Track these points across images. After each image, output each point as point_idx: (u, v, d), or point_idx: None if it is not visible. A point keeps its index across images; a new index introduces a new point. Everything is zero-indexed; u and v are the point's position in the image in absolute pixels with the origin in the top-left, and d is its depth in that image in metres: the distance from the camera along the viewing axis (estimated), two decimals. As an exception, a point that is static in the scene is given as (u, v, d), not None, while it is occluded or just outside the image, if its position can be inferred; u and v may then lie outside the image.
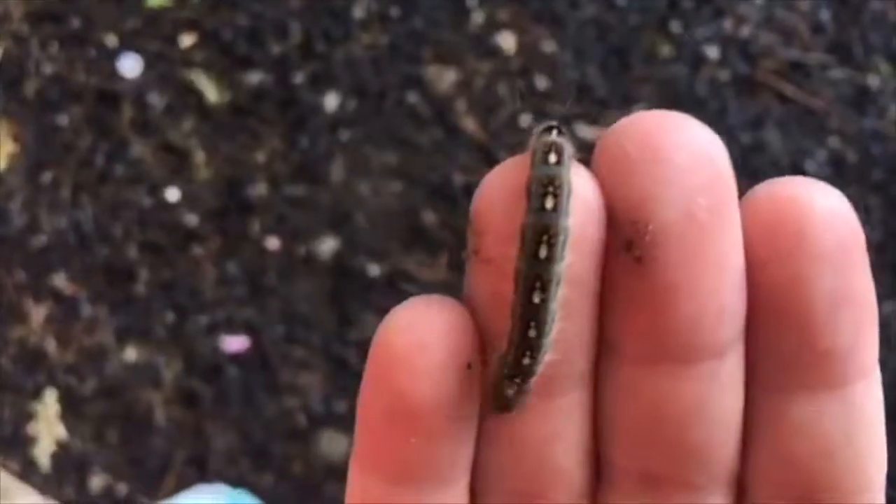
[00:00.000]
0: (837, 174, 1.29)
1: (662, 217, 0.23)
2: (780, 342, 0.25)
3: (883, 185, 1.29)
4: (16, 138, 1.30)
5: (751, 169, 1.28)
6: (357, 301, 1.26)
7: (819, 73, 1.32)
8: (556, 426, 0.26)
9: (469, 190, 1.31)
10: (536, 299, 0.24)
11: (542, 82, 1.31)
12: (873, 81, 1.31)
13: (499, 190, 0.24)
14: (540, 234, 0.23)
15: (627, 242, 0.24)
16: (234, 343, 1.25)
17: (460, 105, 1.30)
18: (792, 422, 0.26)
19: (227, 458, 1.23)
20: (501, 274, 0.24)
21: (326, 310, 1.26)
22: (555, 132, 0.24)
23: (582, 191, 0.24)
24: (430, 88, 1.31)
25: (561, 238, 0.23)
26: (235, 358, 1.25)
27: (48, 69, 1.31)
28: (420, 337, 0.25)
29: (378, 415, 0.26)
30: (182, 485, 1.18)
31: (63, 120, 1.30)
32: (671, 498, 0.27)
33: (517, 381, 0.25)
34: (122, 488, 1.22)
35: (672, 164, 0.23)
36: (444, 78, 1.31)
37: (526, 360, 0.24)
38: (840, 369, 0.25)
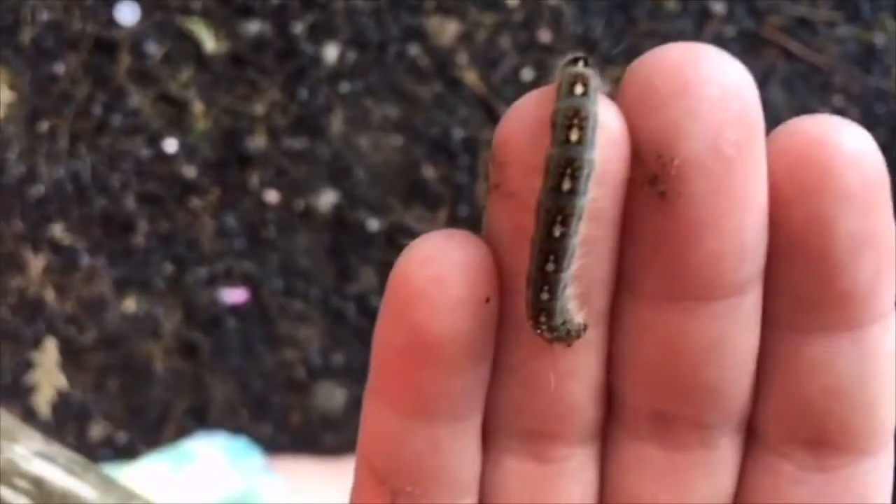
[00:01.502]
0: (840, 133, 1.28)
1: (688, 151, 0.23)
2: (798, 281, 0.25)
3: (886, 146, 1.28)
4: (12, 87, 1.28)
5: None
6: (356, 255, 1.26)
7: (825, 29, 1.30)
8: (572, 363, 0.26)
9: (469, 144, 1.30)
10: (557, 233, 0.23)
11: (545, 36, 1.29)
12: (879, 39, 1.30)
13: (523, 121, 0.24)
14: (564, 166, 0.23)
15: (652, 177, 0.23)
16: (234, 295, 1.25)
17: (462, 58, 1.29)
18: (806, 361, 0.26)
19: (226, 409, 1.24)
20: (523, 207, 0.24)
21: (325, 263, 1.26)
22: (581, 63, 0.23)
23: (607, 123, 0.23)
24: (432, 41, 1.29)
25: (585, 171, 0.23)
26: (234, 310, 1.25)
27: (44, 16, 1.29)
28: (438, 270, 0.24)
29: (394, 348, 0.25)
30: (181, 434, 1.19)
31: (60, 68, 1.28)
32: (682, 438, 0.27)
33: (542, 319, 0.24)
34: (121, 437, 1.23)
35: (700, 97, 0.23)
36: (446, 30, 1.30)
37: (545, 296, 0.24)
38: (857, 311, 0.25)
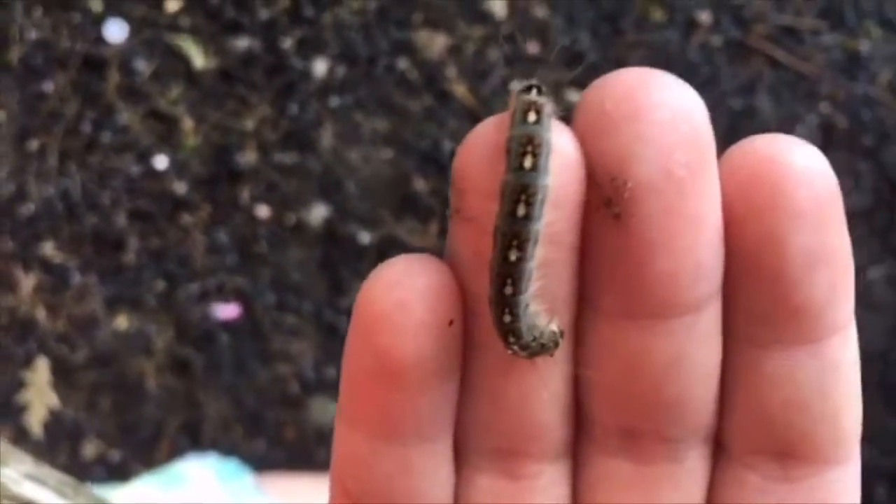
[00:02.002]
0: (827, 140, 1.29)
1: (640, 174, 0.23)
2: (755, 297, 0.25)
3: (873, 151, 1.29)
4: (1, 106, 1.28)
5: (741, 134, 1.27)
6: (348, 268, 1.26)
7: (811, 38, 1.31)
8: (536, 382, 0.27)
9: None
10: (513, 257, 0.24)
11: (533, 48, 1.30)
12: (864, 47, 1.31)
13: (480, 148, 0.24)
14: (518, 192, 0.23)
15: (606, 199, 0.24)
16: (226, 311, 1.25)
17: (451, 71, 1.29)
18: (766, 375, 0.26)
19: (220, 425, 1.23)
20: (483, 232, 0.24)
21: (317, 277, 1.26)
22: (535, 91, 0.24)
23: (562, 148, 0.24)
24: (421, 54, 1.30)
25: (539, 197, 0.24)
26: (227, 326, 1.25)
27: (32, 35, 1.29)
28: (402, 295, 0.25)
29: (361, 372, 0.26)
30: (175, 452, 1.19)
31: (48, 87, 1.29)
32: (649, 452, 0.27)
33: (510, 340, 0.25)
34: (114, 455, 1.23)
35: (651, 121, 0.23)
36: (435, 43, 1.30)
37: (507, 318, 0.25)
38: (814, 325, 0.25)
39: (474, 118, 1.29)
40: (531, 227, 0.24)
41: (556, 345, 0.25)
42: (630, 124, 0.23)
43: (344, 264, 1.25)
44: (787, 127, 1.29)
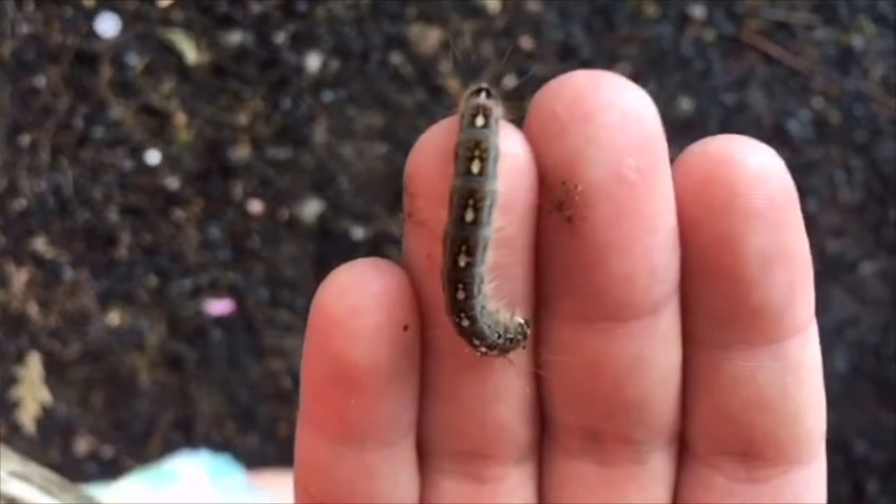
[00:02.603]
0: (820, 135, 1.29)
1: (591, 177, 0.23)
2: (713, 299, 0.25)
3: (865, 147, 1.29)
4: (-8, 100, 1.28)
5: (733, 129, 1.27)
6: (341, 264, 1.25)
7: (804, 33, 1.31)
8: (497, 385, 0.27)
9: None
10: (462, 262, 0.24)
11: (526, 42, 1.30)
12: (857, 42, 1.31)
13: (430, 152, 0.24)
14: (466, 198, 0.23)
15: (558, 203, 0.24)
16: (218, 306, 1.25)
17: (444, 66, 1.29)
18: (727, 376, 0.26)
19: (213, 421, 1.23)
20: (434, 236, 0.24)
21: (311, 273, 1.25)
22: (483, 95, 0.24)
23: (513, 151, 0.24)
24: (414, 49, 1.29)
25: (487, 202, 0.23)
26: (219, 321, 1.24)
27: (24, 29, 1.29)
28: (354, 300, 0.25)
29: (318, 377, 0.26)
30: (167, 447, 1.18)
31: (40, 81, 1.28)
32: (613, 454, 0.27)
33: (475, 343, 0.25)
34: (107, 451, 1.22)
35: (601, 124, 0.23)
36: (428, 38, 1.30)
37: (465, 322, 0.24)
38: (774, 325, 0.25)
39: (467, 113, 1.29)
40: (480, 233, 0.24)
41: (525, 336, 0.25)
42: (580, 127, 0.23)
43: (337, 260, 1.25)
44: (779, 122, 1.29)
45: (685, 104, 1.28)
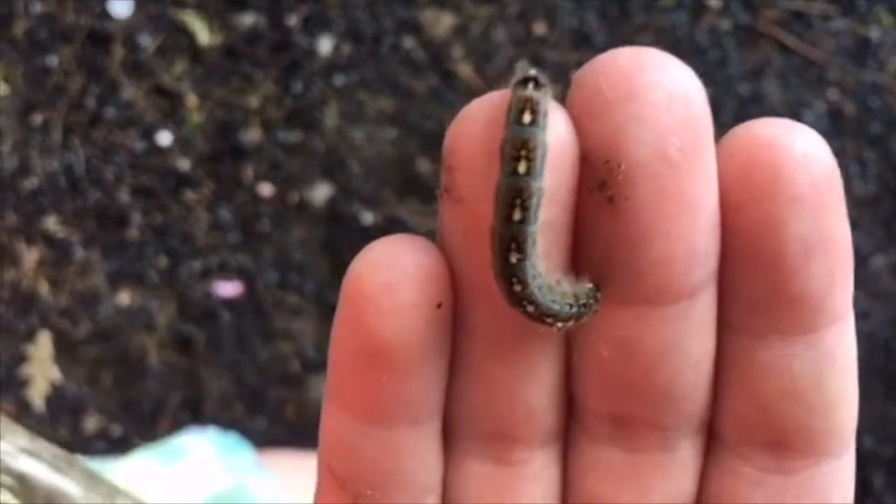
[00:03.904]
0: (835, 127, 1.28)
1: (634, 156, 0.23)
2: (752, 285, 0.25)
3: (880, 139, 1.28)
4: (5, 80, 1.28)
5: (748, 120, 1.26)
6: (350, 248, 1.25)
7: (820, 23, 1.30)
8: (528, 367, 0.26)
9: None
10: (513, 259, 0.23)
11: (540, 28, 1.29)
12: (874, 33, 1.29)
13: (472, 126, 0.24)
14: (513, 197, 0.23)
15: (600, 182, 0.23)
16: (228, 288, 1.25)
17: (457, 51, 1.28)
18: (762, 365, 0.26)
19: (221, 402, 1.24)
20: (473, 213, 0.24)
21: (320, 257, 1.26)
22: (531, 85, 0.23)
23: (556, 129, 0.23)
24: (427, 33, 1.29)
25: (534, 201, 0.23)
26: (229, 303, 1.25)
27: (37, 9, 1.29)
28: (389, 277, 0.24)
29: (348, 354, 0.26)
30: (176, 427, 1.19)
31: (53, 61, 1.28)
32: (641, 440, 0.27)
33: (547, 321, 0.25)
34: (116, 430, 1.23)
35: (646, 102, 0.23)
36: (441, 22, 1.29)
37: (530, 308, 0.24)
38: (811, 314, 0.25)
39: (479, 99, 1.28)
40: (528, 230, 0.23)
41: (597, 299, 0.25)
42: (624, 105, 0.23)
43: (346, 244, 1.25)
44: (794, 113, 1.28)
45: (699, 93, 1.27)
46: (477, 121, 0.24)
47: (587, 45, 1.28)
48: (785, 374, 0.25)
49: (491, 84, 1.28)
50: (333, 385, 0.27)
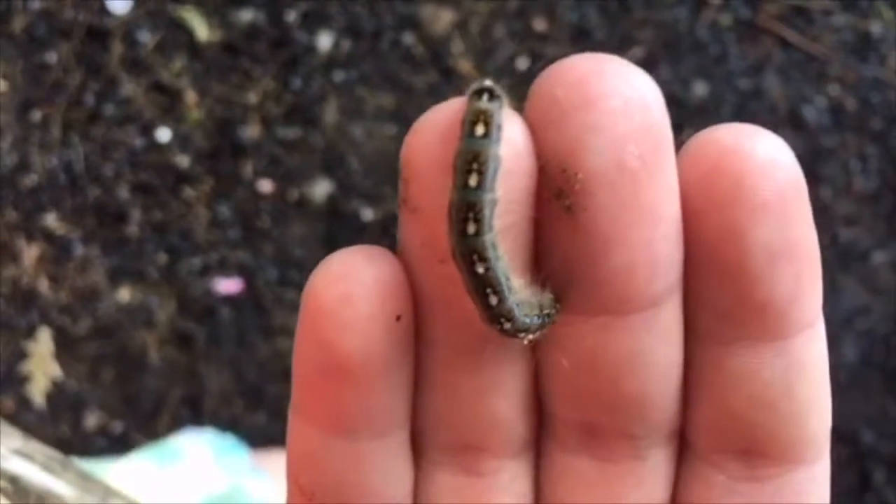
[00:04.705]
0: (836, 122, 1.27)
1: (591, 165, 0.22)
2: (717, 293, 0.24)
3: (881, 135, 1.28)
4: (4, 76, 1.28)
5: (748, 115, 1.26)
6: (350, 245, 1.25)
7: (821, 18, 1.30)
8: (493, 377, 0.26)
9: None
10: (480, 270, 0.23)
11: (540, 24, 1.28)
12: (876, 28, 1.29)
13: (427, 137, 0.23)
14: (465, 211, 0.23)
15: (558, 191, 0.23)
16: (228, 285, 1.25)
17: (456, 47, 1.28)
18: (730, 372, 0.25)
19: (221, 399, 1.24)
20: (429, 223, 0.23)
21: (320, 253, 1.25)
22: (486, 97, 0.23)
23: (512, 138, 0.23)
24: (426, 29, 1.28)
25: (487, 213, 0.23)
26: (229, 300, 1.25)
27: (36, 5, 1.28)
28: (346, 289, 0.24)
29: (310, 366, 0.25)
30: (176, 423, 1.19)
31: (52, 57, 1.28)
32: (611, 449, 0.27)
33: (519, 335, 0.24)
34: (116, 426, 1.23)
35: (602, 110, 0.22)
36: (441, 18, 1.29)
37: (507, 326, 0.24)
38: (779, 322, 0.25)
39: (479, 95, 1.28)
40: (483, 241, 0.23)
41: (557, 310, 0.25)
42: (581, 113, 0.22)
43: (346, 240, 1.25)
44: (795, 108, 1.27)
45: (700, 89, 1.27)
46: (431, 132, 0.23)
47: (587, 41, 1.27)
48: (754, 382, 0.25)
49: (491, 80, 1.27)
50: (297, 398, 0.26)
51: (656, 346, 0.25)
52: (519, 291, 0.24)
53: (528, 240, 0.24)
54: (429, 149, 0.23)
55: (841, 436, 1.19)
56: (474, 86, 0.23)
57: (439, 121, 0.23)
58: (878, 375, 1.24)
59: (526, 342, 0.25)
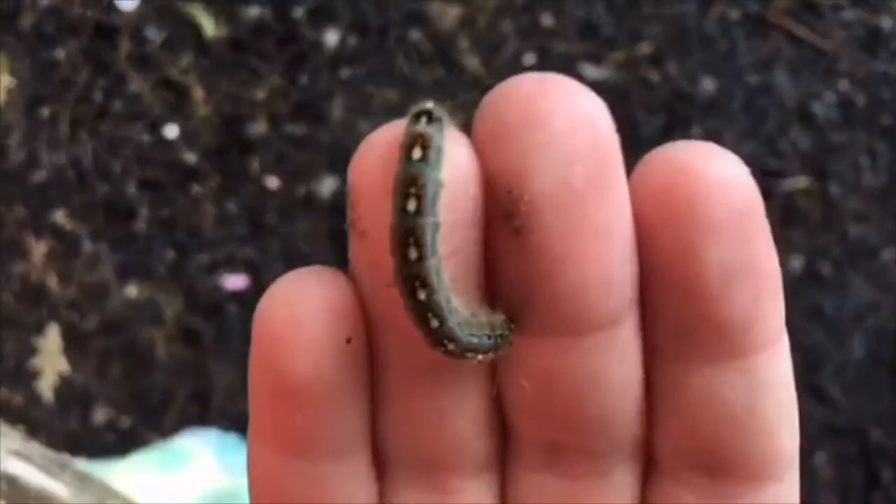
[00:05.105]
0: (845, 118, 1.27)
1: (537, 186, 0.22)
2: (675, 312, 0.24)
3: (891, 131, 1.27)
4: (12, 73, 1.28)
5: (757, 111, 1.26)
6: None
7: (831, 13, 1.29)
8: (451, 396, 0.26)
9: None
10: (422, 295, 0.23)
11: (547, 19, 1.28)
12: (886, 23, 1.28)
13: (371, 160, 0.23)
14: (405, 236, 0.22)
15: (506, 212, 0.23)
16: (235, 281, 1.25)
17: (463, 42, 1.28)
18: (692, 391, 0.25)
19: (228, 395, 1.24)
20: (376, 246, 0.23)
21: (326, 249, 1.26)
22: (423, 120, 0.23)
23: (458, 160, 0.23)
24: (433, 25, 1.28)
25: (428, 237, 0.22)
26: (236, 296, 1.25)
27: (44, 2, 1.29)
28: (294, 313, 0.24)
29: (262, 390, 0.25)
30: (184, 420, 1.20)
31: (60, 54, 1.28)
32: (575, 466, 0.26)
33: (468, 356, 0.24)
34: (125, 421, 1.24)
35: (548, 130, 0.22)
36: (448, 14, 1.29)
37: (451, 347, 0.24)
38: (739, 340, 0.24)
39: (485, 91, 1.28)
40: (425, 266, 0.23)
41: (512, 330, 0.24)
42: (526, 133, 0.22)
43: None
44: (804, 104, 1.27)
45: (708, 84, 1.26)
46: (374, 155, 0.23)
47: (595, 37, 1.27)
48: (717, 400, 0.25)
49: (498, 76, 1.27)
50: (254, 421, 0.26)
51: (614, 364, 0.25)
52: (462, 311, 0.24)
53: (477, 261, 0.24)
54: (372, 172, 0.23)
55: (849, 433, 1.19)
56: (414, 109, 0.23)
57: (381, 143, 0.23)
58: (887, 373, 1.24)
59: (476, 362, 0.24)
